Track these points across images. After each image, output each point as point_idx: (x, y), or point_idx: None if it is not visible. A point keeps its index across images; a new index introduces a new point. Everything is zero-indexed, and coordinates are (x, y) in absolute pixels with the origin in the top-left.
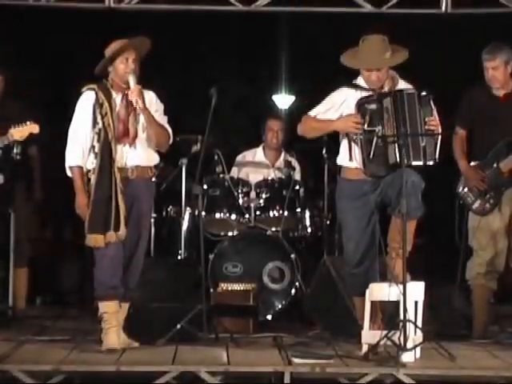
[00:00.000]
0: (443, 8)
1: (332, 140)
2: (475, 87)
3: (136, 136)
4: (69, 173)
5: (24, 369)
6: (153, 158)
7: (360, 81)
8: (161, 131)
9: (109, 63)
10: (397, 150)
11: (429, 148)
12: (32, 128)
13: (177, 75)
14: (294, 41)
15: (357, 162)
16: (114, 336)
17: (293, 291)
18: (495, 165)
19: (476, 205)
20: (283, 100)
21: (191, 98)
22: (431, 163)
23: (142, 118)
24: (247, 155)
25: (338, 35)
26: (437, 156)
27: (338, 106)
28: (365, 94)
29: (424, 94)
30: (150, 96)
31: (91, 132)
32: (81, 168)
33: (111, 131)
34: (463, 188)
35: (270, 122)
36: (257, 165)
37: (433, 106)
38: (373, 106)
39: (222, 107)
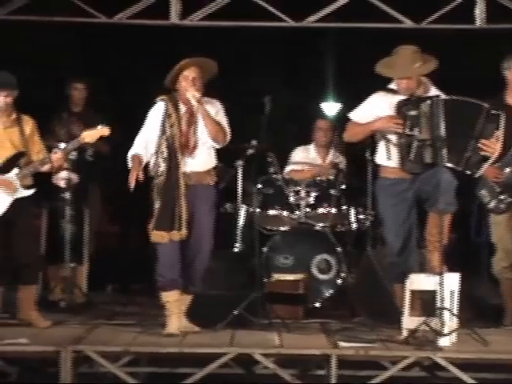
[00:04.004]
0: (478, 23)
1: (375, 142)
2: (493, 98)
3: (195, 146)
4: (129, 163)
5: (96, 349)
6: (210, 162)
7: (394, 85)
8: (217, 126)
9: (174, 79)
10: (432, 151)
11: (473, 158)
12: (102, 131)
13: (234, 85)
14: (341, 53)
15: (394, 162)
16: (174, 322)
17: (339, 281)
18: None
19: (491, 205)
20: (330, 107)
21: (247, 106)
22: (468, 172)
23: (200, 129)
24: (301, 151)
25: (381, 47)
26: (479, 170)
27: (374, 108)
28: (398, 97)
29: (493, 111)
30: (215, 103)
31: (158, 137)
32: (138, 155)
33: (177, 140)
34: (480, 189)
35: (319, 122)
36: (310, 161)
37: (499, 126)
38: (413, 112)
39: (275, 114)
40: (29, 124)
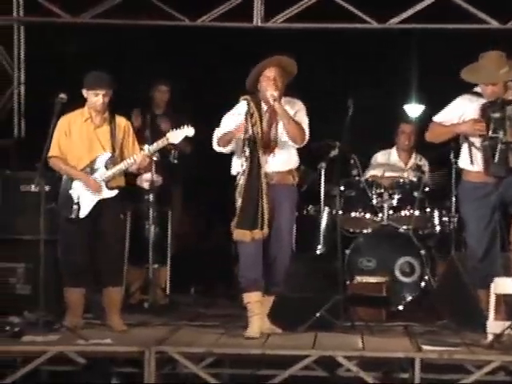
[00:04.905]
0: None
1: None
2: None
3: (276, 146)
4: (217, 148)
5: (180, 350)
6: (292, 162)
7: (479, 89)
8: (294, 126)
9: (255, 79)
10: None
11: None
12: (187, 131)
13: (317, 88)
14: (424, 55)
15: (478, 166)
16: (256, 324)
17: (422, 284)
18: None
19: None
20: (413, 109)
21: (330, 108)
22: None
23: (281, 128)
24: (382, 155)
25: (466, 48)
26: None
27: (460, 111)
28: (483, 101)
29: None
30: (295, 103)
31: (240, 139)
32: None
33: (259, 139)
34: None
35: (402, 125)
36: (392, 165)
37: None
38: (497, 115)
39: (358, 116)
40: (122, 125)
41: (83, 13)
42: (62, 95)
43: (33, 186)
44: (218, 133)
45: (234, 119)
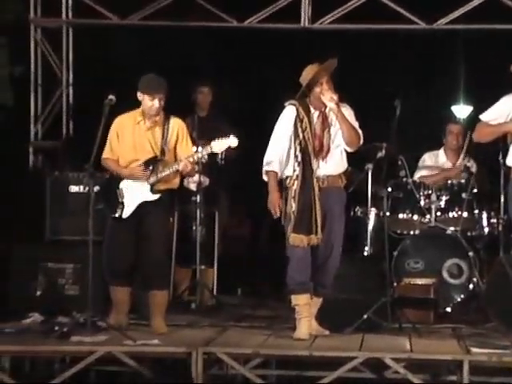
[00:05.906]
0: None
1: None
2: None
3: (329, 150)
4: (264, 177)
5: (227, 351)
6: (342, 166)
7: None
8: (352, 130)
9: (307, 91)
10: None
11: None
12: (231, 142)
13: (364, 89)
14: (471, 55)
15: None
16: (304, 326)
17: (470, 286)
18: None
19: None
20: (461, 110)
21: (377, 109)
22: None
23: (333, 132)
24: (430, 156)
25: None
26: None
27: (506, 109)
28: None
29: None
30: (347, 107)
31: (291, 143)
32: (275, 173)
33: (310, 144)
34: None
35: (450, 125)
36: (440, 166)
37: None
38: None
39: (405, 117)
40: (176, 127)
41: (131, 14)
42: (111, 97)
43: (81, 187)
44: (269, 156)
45: (285, 131)
